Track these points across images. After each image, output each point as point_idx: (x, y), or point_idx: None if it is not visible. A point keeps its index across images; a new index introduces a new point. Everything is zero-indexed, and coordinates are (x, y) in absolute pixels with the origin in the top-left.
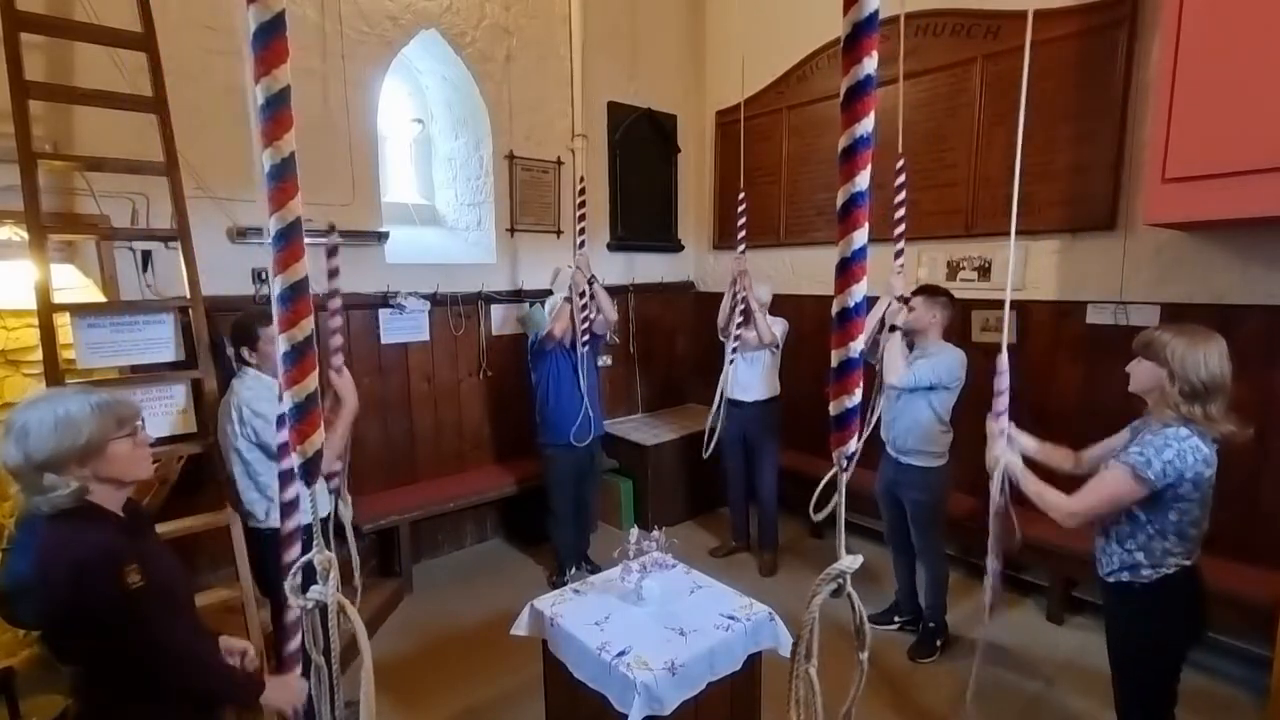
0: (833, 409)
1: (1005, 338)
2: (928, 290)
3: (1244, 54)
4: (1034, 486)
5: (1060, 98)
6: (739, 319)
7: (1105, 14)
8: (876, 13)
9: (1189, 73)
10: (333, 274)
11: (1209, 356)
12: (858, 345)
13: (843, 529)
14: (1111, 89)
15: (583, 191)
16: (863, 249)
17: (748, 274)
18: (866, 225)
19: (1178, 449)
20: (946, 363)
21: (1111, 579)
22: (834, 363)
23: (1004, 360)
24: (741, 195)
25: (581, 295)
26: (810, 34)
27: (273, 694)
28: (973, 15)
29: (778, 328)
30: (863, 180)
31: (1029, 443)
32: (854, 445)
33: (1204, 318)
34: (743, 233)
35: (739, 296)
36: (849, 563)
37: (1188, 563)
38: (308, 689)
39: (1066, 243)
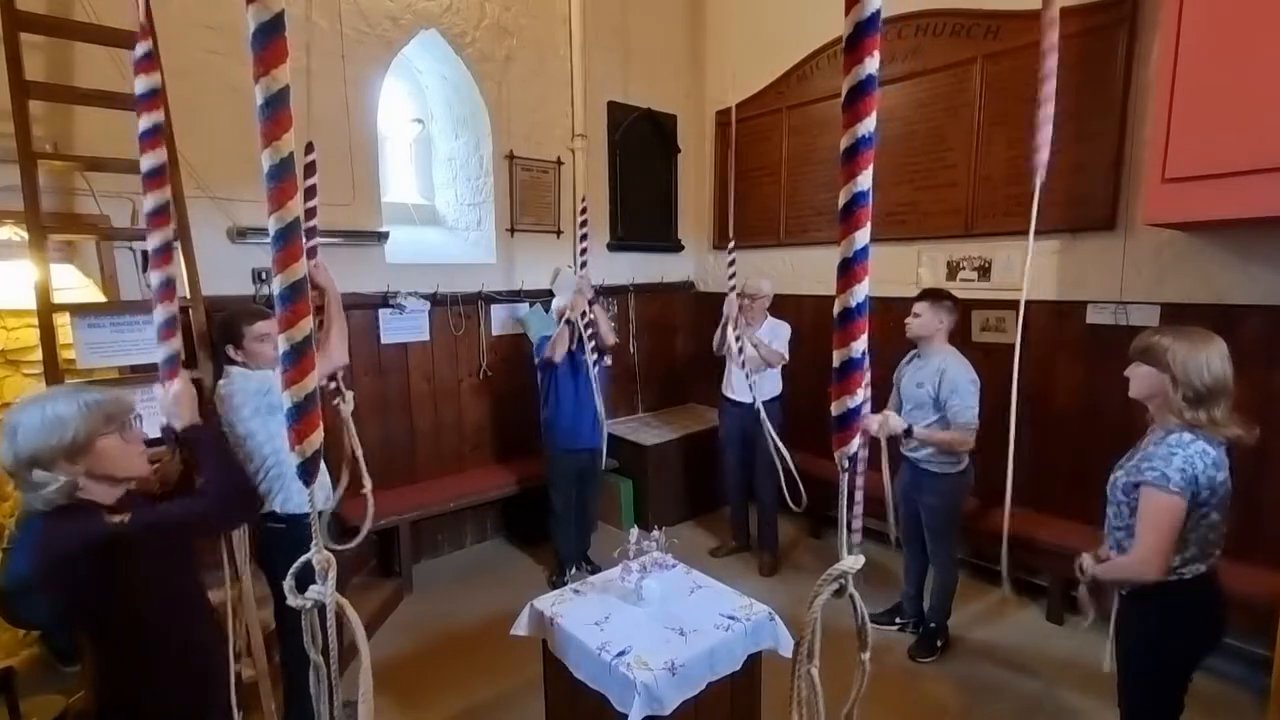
0: (834, 409)
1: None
2: (931, 295)
3: (1244, 54)
4: (1110, 571)
5: (1060, 97)
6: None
7: (1105, 14)
8: (879, 12)
9: (1189, 73)
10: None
11: (1211, 359)
12: (860, 345)
13: (844, 529)
14: (1111, 89)
15: (584, 211)
16: (864, 249)
17: (740, 314)
18: (869, 225)
19: (1184, 455)
20: (964, 381)
21: (1125, 589)
22: (835, 363)
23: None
24: (731, 245)
25: (583, 316)
26: (810, 34)
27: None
28: (973, 15)
29: (781, 333)
30: (865, 180)
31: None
32: (855, 446)
33: (1204, 318)
34: (733, 280)
35: (736, 338)
36: (850, 563)
37: (1203, 569)
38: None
39: (1066, 242)
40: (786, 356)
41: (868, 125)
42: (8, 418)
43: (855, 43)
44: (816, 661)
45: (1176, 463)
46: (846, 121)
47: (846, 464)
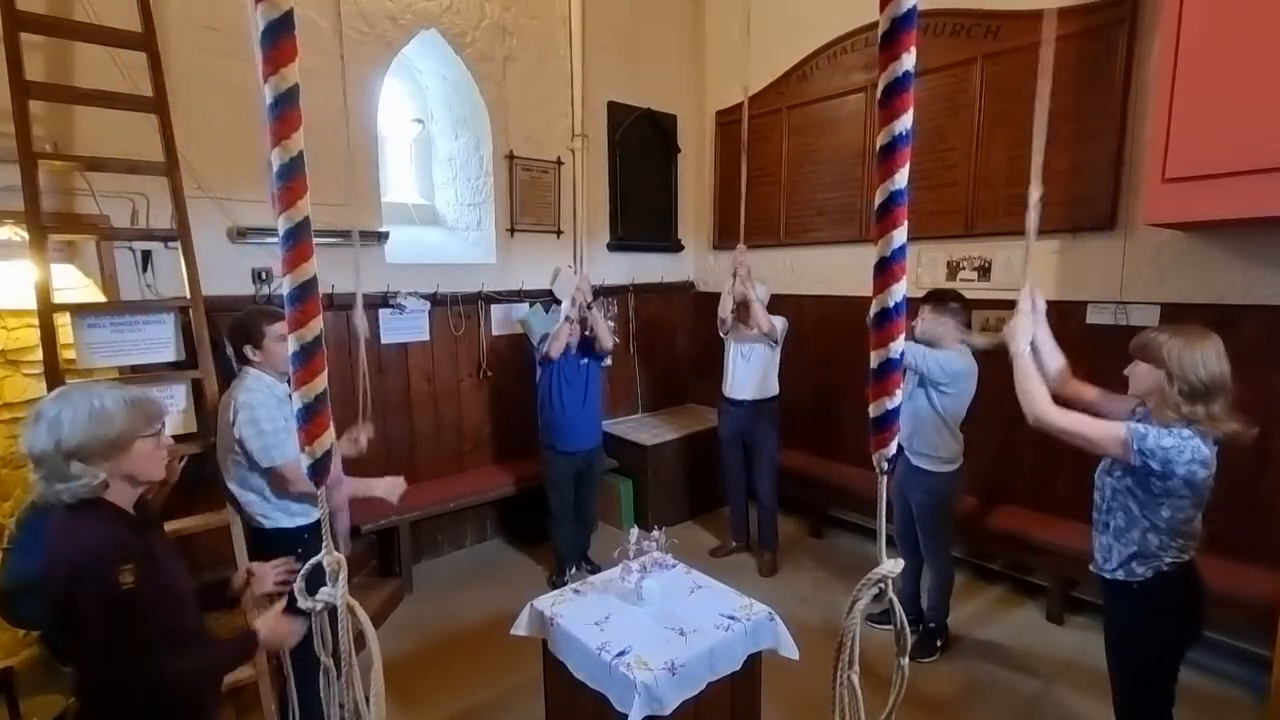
0: (872, 410)
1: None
2: (934, 297)
3: (1244, 54)
4: (1028, 366)
5: (1060, 98)
6: (734, 309)
7: (1105, 14)
8: (915, 8)
9: (1189, 73)
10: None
11: (1206, 355)
12: (898, 346)
13: (884, 534)
14: (1111, 89)
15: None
16: (902, 248)
17: (746, 264)
18: (906, 223)
19: (1177, 442)
20: (942, 357)
21: (1108, 575)
22: (873, 364)
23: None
24: (744, 192)
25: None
26: (810, 34)
27: (269, 634)
28: (973, 15)
29: (777, 323)
30: (901, 178)
31: (1045, 336)
32: (894, 447)
33: (1204, 318)
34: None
35: (737, 288)
36: (890, 567)
37: (1184, 559)
38: (306, 624)
39: (1066, 242)
40: (779, 335)
41: (905, 122)
42: (46, 406)
43: (891, 39)
44: (857, 667)
45: (1166, 442)
46: (883, 119)
47: (885, 466)
